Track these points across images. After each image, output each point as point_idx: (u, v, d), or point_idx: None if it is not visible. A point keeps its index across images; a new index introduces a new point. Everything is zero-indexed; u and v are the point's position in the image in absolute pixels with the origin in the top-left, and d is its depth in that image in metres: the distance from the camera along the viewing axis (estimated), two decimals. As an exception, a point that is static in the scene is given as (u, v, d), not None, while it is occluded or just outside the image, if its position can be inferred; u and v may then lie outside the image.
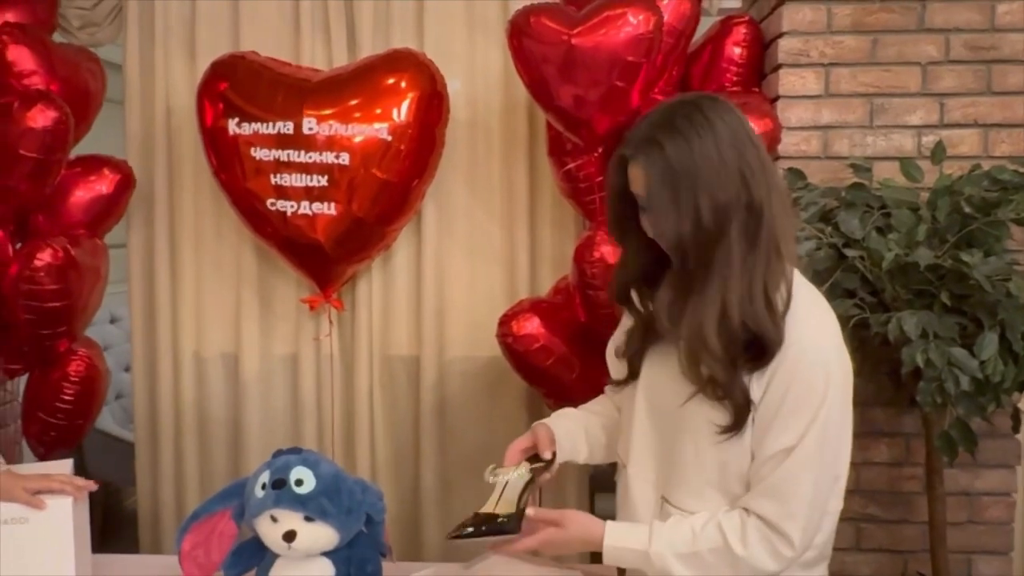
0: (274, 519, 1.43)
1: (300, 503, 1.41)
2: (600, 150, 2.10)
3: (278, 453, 1.52)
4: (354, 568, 1.48)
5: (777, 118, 2.07)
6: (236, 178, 2.27)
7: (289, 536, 1.42)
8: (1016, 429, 2.02)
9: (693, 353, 1.18)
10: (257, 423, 2.57)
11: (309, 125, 2.18)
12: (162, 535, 2.62)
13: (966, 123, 2.12)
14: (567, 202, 2.30)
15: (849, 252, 1.89)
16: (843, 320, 1.90)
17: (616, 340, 1.43)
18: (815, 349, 1.17)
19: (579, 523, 1.31)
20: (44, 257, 2.16)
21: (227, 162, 2.26)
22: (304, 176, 2.20)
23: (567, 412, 1.54)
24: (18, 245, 2.27)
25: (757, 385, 1.17)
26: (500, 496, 1.42)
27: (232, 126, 2.22)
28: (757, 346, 1.16)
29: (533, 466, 1.45)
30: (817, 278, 1.92)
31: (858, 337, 1.96)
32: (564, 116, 2.02)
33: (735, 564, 1.19)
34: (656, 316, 1.23)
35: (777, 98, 2.12)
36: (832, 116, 2.13)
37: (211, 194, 2.49)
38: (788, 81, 2.12)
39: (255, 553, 1.50)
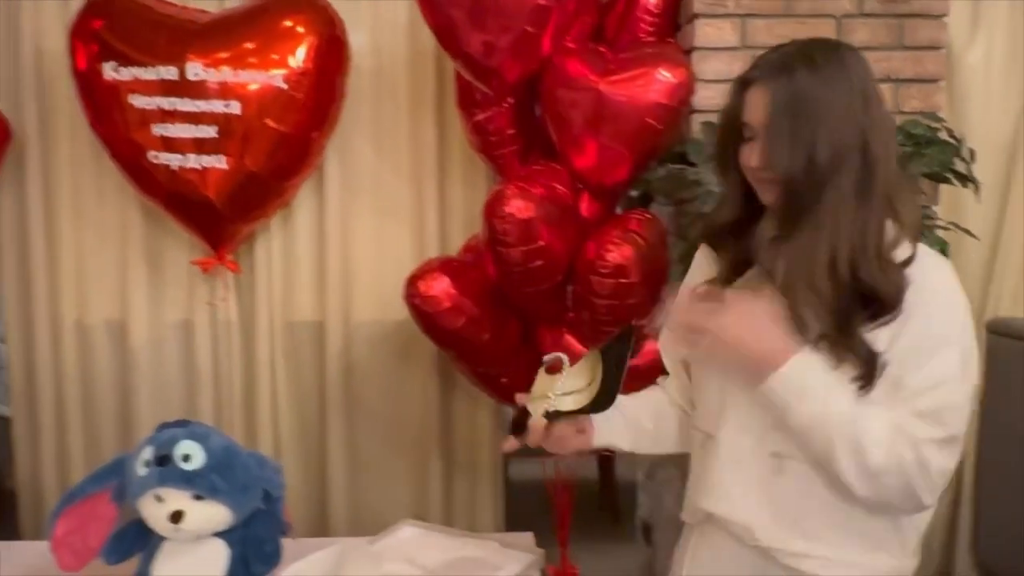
0: (159, 499, 1.30)
1: (187, 480, 1.29)
2: (511, 101, 2.00)
3: (163, 427, 1.39)
4: (251, 549, 1.36)
5: (691, 70, 2.01)
6: (115, 129, 2.07)
7: (176, 516, 1.29)
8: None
9: (795, 298, 1.12)
10: (148, 395, 2.40)
11: (195, 71, 2.01)
12: (46, 518, 2.43)
13: (879, 77, 2.10)
14: (478, 157, 2.20)
15: (765, 207, 1.86)
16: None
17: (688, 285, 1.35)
18: (948, 290, 1.15)
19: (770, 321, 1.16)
20: None
21: (104, 111, 2.07)
22: (191, 127, 2.03)
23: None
24: None
25: (889, 334, 1.12)
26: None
27: (109, 70, 2.02)
28: (872, 300, 1.11)
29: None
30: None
31: (773, 294, 1.95)
32: (473, 64, 1.91)
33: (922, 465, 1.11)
34: (756, 249, 1.15)
35: (692, 49, 2.06)
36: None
37: (90, 147, 2.29)
38: (704, 32, 2.06)
39: (138, 537, 1.36)
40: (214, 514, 1.32)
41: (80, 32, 2.04)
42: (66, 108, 2.28)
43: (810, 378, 1.13)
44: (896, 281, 1.12)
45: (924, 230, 1.82)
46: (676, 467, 2.24)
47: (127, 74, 2.02)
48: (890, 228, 1.14)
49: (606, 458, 3.56)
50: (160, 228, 2.33)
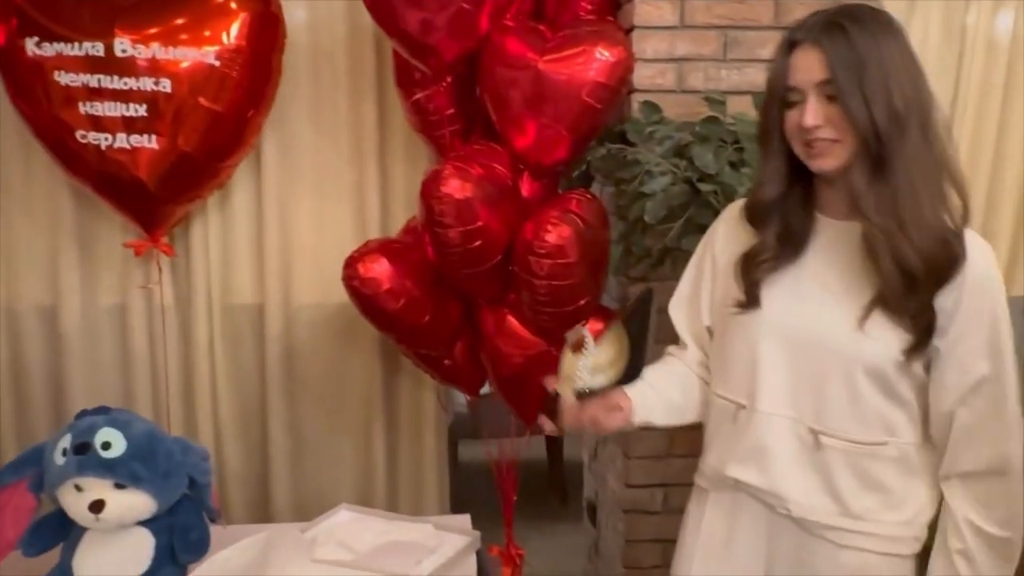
0: (79, 488, 1.28)
1: (108, 468, 1.26)
2: (449, 79, 1.97)
3: (83, 414, 1.35)
4: (177, 537, 1.34)
5: (630, 47, 2.00)
6: (40, 107, 2.00)
7: (96, 506, 1.26)
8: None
9: (901, 239, 1.12)
10: (82, 382, 2.34)
11: (122, 47, 1.94)
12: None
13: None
14: (419, 137, 2.17)
15: (703, 187, 1.86)
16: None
17: (681, 294, 1.42)
18: (988, 265, 1.17)
19: None
20: None
21: (27, 89, 1.99)
22: (120, 105, 1.96)
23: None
24: None
25: (949, 302, 1.14)
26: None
27: (31, 46, 1.95)
28: (943, 256, 1.13)
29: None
30: (672, 214, 1.89)
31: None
32: (410, 42, 1.87)
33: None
34: (862, 202, 1.14)
35: (632, 28, 2.05)
36: (687, 48, 2.08)
37: (15, 126, 2.20)
38: (643, 11, 2.05)
39: (59, 527, 1.33)
40: (136, 503, 1.29)
41: (-1, 5, 1.96)
42: (-12, 86, 2.19)
43: None
44: (955, 246, 1.14)
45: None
46: (617, 445, 2.25)
47: (51, 50, 1.95)
48: (946, 185, 1.15)
49: (553, 439, 3.57)
50: (92, 210, 2.26)
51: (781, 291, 1.25)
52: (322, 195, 2.35)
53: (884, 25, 1.14)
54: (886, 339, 1.15)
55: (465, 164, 1.79)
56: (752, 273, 1.26)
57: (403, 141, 2.33)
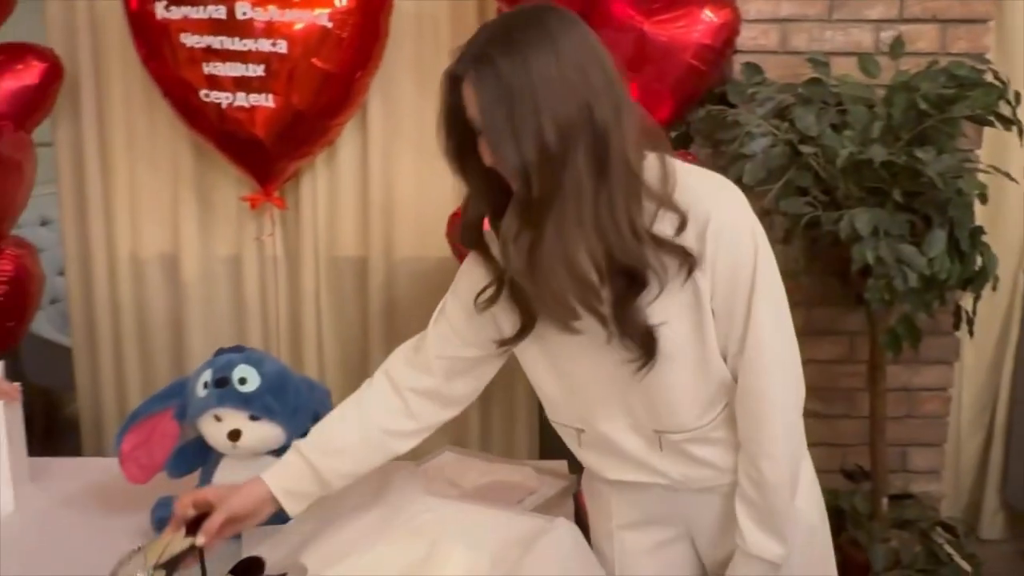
0: (218, 418, 1.40)
1: (244, 401, 1.38)
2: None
3: (220, 352, 1.47)
4: (302, 466, 1.45)
5: (737, 9, 2.00)
6: (167, 67, 2.13)
7: (234, 435, 1.38)
8: (956, 326, 2.06)
9: (559, 292, 1.07)
10: (200, 326, 2.50)
11: (243, 10, 2.05)
12: (105, 442, 2.57)
13: (925, 18, 2.08)
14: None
15: (804, 149, 1.87)
16: (794, 219, 1.93)
17: (460, 293, 1.27)
18: (734, 220, 1.11)
19: None
20: (-40, 148, 2.03)
21: (156, 50, 2.12)
22: (240, 65, 2.08)
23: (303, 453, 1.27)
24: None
25: (700, 271, 1.09)
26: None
27: (160, 10, 2.07)
28: (631, 276, 1.08)
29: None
30: (771, 176, 1.91)
31: (808, 236, 1.97)
32: (515, 5, 1.92)
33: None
34: (504, 251, 1.09)
35: (736, -11, 2.05)
36: (791, 9, 2.07)
37: (142, 86, 2.35)
38: (748, -29, 2.04)
39: (199, 453, 1.46)
40: (268, 433, 1.41)
41: (132, -29, 2.09)
42: (119, 47, 2.33)
43: None
44: (661, 254, 1.07)
45: (964, 173, 1.82)
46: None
47: (178, 13, 2.07)
48: (633, 191, 1.06)
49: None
50: (210, 165, 2.40)
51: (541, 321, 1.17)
52: (424, 153, 2.43)
53: (539, 39, 1.03)
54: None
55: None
56: (487, 307, 1.18)
57: (503, 101, 2.38)
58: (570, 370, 1.21)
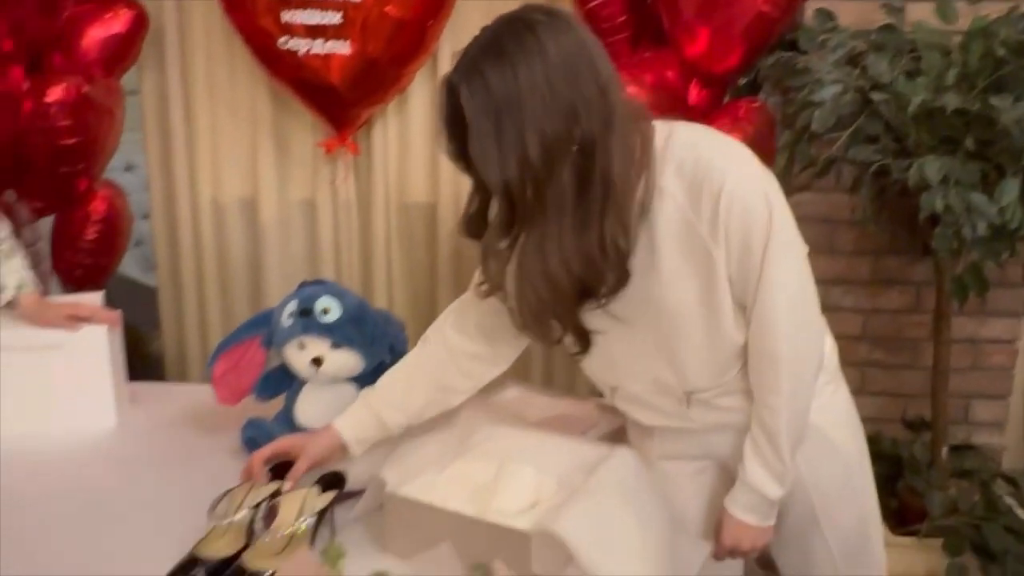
0: (302, 346, 1.49)
1: (327, 330, 1.47)
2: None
3: (303, 284, 1.56)
4: (378, 393, 1.54)
5: (810, -46, 1.98)
6: (247, 16, 2.21)
7: (316, 362, 1.48)
8: (1026, 277, 2.04)
9: (535, 309, 1.13)
10: (276, 270, 2.60)
11: (320, -41, 2.11)
12: (189, 375, 2.72)
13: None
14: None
15: (875, 96, 1.86)
16: (863, 167, 1.92)
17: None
18: (745, 188, 1.12)
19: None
20: (56, 92, 2.14)
21: (237, 0, 2.20)
22: (317, 13, 2.14)
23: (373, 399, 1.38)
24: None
25: (714, 242, 1.12)
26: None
27: (242, -40, 2.15)
28: (591, 288, 1.13)
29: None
30: (840, 123, 1.90)
31: (876, 185, 1.97)
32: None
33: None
34: (483, 263, 1.16)
35: (810, -67, 2.03)
36: (866, -46, 2.04)
37: (222, 36, 2.43)
38: (823, -86, 2.02)
39: (283, 379, 1.56)
40: (348, 361, 1.50)
41: (215, -78, 2.16)
42: (201, -3, 2.42)
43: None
44: (625, 267, 1.11)
45: None
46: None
47: (258, -37, 2.14)
48: (614, 208, 1.07)
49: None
50: (286, 111, 2.48)
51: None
52: (492, 102, 2.47)
53: (529, 49, 1.02)
54: (687, 311, 1.19)
55: (639, 72, 1.86)
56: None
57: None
58: (599, 342, 1.26)
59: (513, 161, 1.02)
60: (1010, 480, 2.16)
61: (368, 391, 1.38)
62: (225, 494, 1.28)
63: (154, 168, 2.63)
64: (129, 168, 3.44)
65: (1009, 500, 2.09)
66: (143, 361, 3.39)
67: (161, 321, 2.76)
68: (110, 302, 1.79)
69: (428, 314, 2.61)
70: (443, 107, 1.11)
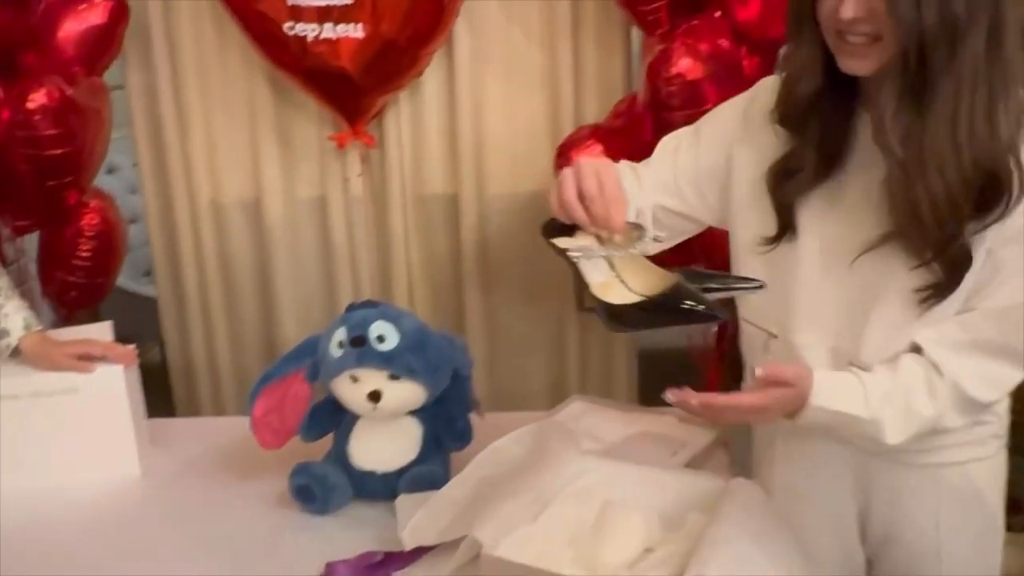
0: (355, 379, 1.31)
1: (384, 360, 1.28)
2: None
3: (351, 307, 1.38)
4: (443, 426, 1.37)
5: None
6: (246, 0, 1.99)
7: (374, 396, 1.30)
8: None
9: (921, 188, 0.96)
10: (286, 272, 2.41)
11: (327, -66, 1.89)
12: (197, 391, 2.54)
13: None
14: (613, 14, 2.05)
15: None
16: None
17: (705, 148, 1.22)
18: None
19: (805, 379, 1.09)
20: (38, 98, 1.93)
21: (234, -18, 1.98)
22: (325, -7, 1.94)
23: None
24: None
25: (992, 235, 0.99)
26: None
27: (237, -63, 1.93)
28: (989, 188, 0.96)
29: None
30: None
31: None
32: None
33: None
34: (878, 129, 0.98)
35: None
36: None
37: (212, 22, 2.21)
38: None
39: (332, 415, 1.38)
40: (409, 393, 1.32)
41: None
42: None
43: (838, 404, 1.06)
44: (1012, 168, 0.95)
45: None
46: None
47: (256, -60, 1.92)
48: (1013, 97, 0.95)
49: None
50: (288, 104, 2.28)
51: (821, 210, 1.08)
52: (513, 82, 2.28)
53: None
54: (903, 272, 1.04)
55: (694, 40, 1.68)
56: (785, 194, 1.10)
57: (595, 24, 2.21)
58: (791, 268, 1.11)
59: (933, 8, 0.90)
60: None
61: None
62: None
63: (146, 170, 2.42)
64: (111, 170, 3.21)
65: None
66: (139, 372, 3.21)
67: (163, 333, 2.57)
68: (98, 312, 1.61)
69: (455, 317, 2.44)
70: None
